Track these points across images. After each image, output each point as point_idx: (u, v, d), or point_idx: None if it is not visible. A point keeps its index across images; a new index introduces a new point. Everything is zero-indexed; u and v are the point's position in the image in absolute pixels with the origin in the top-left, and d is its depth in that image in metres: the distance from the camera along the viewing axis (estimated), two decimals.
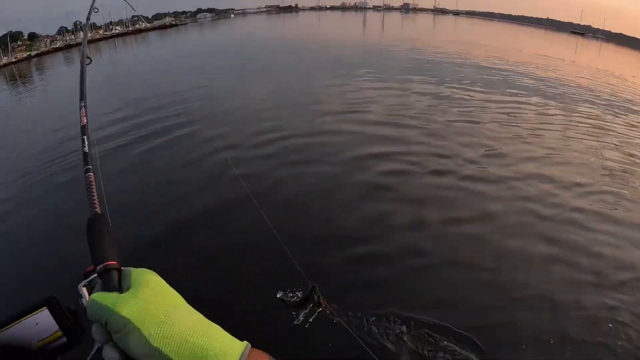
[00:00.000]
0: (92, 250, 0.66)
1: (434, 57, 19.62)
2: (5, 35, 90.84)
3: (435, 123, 9.36)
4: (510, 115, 10.21)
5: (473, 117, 9.93)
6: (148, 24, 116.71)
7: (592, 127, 9.78)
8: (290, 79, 14.64)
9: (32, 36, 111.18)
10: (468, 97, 11.88)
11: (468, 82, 13.92)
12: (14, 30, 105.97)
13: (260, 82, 14.23)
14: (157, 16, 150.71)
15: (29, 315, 0.73)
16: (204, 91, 13.39)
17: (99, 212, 0.73)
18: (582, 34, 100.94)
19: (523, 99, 12.08)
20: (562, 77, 16.88)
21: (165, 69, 19.76)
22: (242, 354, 0.52)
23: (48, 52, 78.85)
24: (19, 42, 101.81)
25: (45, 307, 0.75)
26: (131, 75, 20.28)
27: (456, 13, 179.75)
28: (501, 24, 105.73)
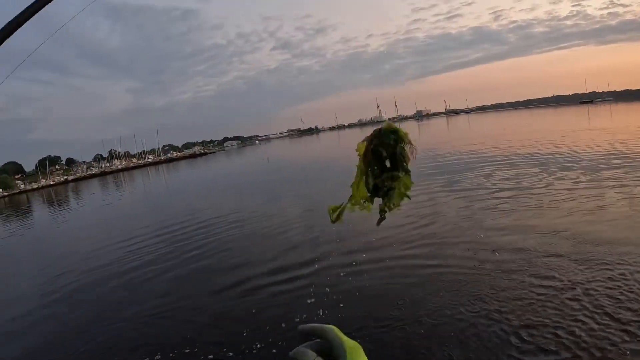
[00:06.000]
0: None
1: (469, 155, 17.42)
2: (44, 159, 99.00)
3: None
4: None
5: None
6: (179, 153, 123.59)
7: None
8: None
9: (70, 161, 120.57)
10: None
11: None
12: (52, 155, 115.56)
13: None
14: (187, 145, 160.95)
15: None
16: None
17: None
18: (590, 102, 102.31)
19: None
20: None
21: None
22: None
23: (84, 178, 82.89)
24: (57, 166, 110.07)
25: None
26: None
27: (467, 111, 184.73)
28: (511, 112, 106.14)
